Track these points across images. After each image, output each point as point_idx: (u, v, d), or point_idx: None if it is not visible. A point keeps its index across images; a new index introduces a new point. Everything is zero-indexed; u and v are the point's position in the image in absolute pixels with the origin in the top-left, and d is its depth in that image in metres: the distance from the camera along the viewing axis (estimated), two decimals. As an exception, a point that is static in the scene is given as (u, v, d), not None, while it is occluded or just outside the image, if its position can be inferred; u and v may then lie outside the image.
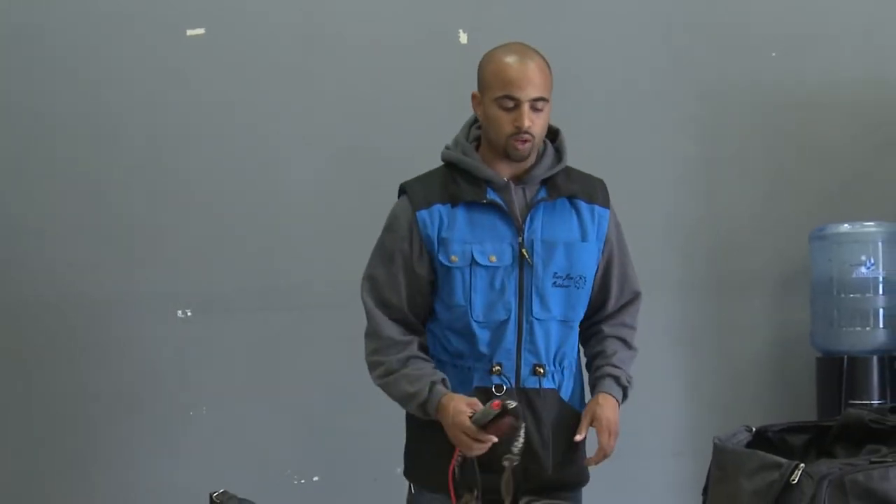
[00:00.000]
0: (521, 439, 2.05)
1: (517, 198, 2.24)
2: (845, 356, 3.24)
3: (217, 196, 3.52)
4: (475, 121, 2.31)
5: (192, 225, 3.51)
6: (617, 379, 2.29)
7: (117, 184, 3.53)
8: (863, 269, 3.31)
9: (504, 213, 2.22)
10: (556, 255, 2.22)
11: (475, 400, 2.13)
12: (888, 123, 3.55)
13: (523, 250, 2.20)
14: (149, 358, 3.48)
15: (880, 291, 3.32)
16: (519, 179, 2.25)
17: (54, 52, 3.53)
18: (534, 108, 2.17)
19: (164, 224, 3.51)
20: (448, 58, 3.48)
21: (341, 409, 3.43)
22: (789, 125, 3.60)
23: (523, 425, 2.04)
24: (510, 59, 2.18)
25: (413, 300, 2.25)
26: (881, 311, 3.32)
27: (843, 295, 3.32)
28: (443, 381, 2.19)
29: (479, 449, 2.07)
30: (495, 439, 2.05)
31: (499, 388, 2.21)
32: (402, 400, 2.22)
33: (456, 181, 2.23)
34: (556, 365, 2.26)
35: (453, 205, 2.22)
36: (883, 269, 3.31)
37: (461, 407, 2.10)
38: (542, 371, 2.23)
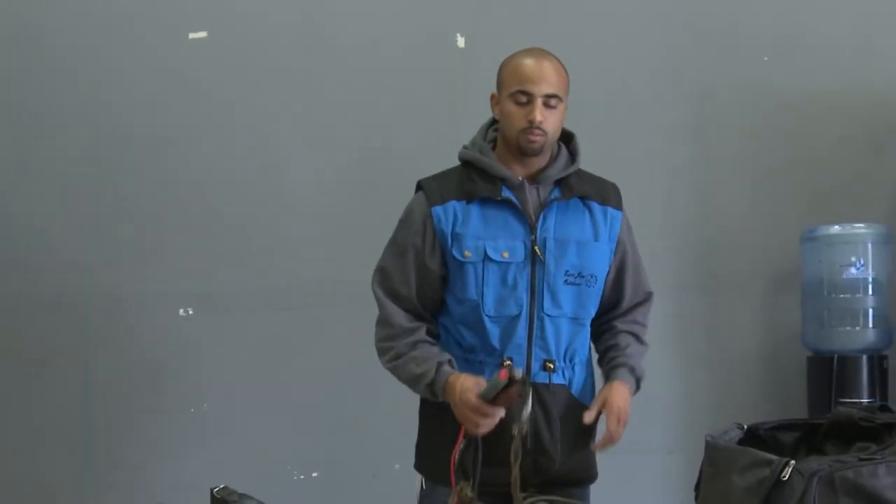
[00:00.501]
0: (529, 407, 2.01)
1: (531, 197, 2.27)
2: (835, 355, 3.26)
3: (218, 196, 3.53)
4: (492, 122, 2.35)
5: (193, 225, 3.52)
6: (632, 369, 2.31)
7: (118, 184, 3.54)
8: (853, 270, 3.31)
9: (518, 211, 2.25)
10: (568, 253, 2.25)
11: (482, 379, 2.14)
12: (878, 126, 3.56)
13: (536, 248, 2.23)
14: (150, 356, 3.49)
15: (870, 292, 3.33)
16: (533, 179, 2.29)
17: (54, 52, 3.53)
18: (547, 105, 2.21)
19: (165, 224, 3.52)
20: (448, 58, 3.48)
21: (341, 406, 3.45)
22: (781, 127, 3.60)
23: (530, 391, 2.01)
24: (526, 58, 2.24)
25: (423, 292, 2.28)
26: (871, 311, 3.33)
27: (833, 295, 3.34)
28: (449, 361, 2.22)
29: (486, 426, 2.07)
30: (503, 413, 2.05)
31: (507, 366, 2.15)
32: (411, 382, 2.24)
33: (472, 178, 2.27)
34: (567, 361, 2.28)
35: (468, 201, 2.25)
36: (872, 270, 3.32)
37: (468, 384, 2.11)
38: (552, 367, 2.25)
